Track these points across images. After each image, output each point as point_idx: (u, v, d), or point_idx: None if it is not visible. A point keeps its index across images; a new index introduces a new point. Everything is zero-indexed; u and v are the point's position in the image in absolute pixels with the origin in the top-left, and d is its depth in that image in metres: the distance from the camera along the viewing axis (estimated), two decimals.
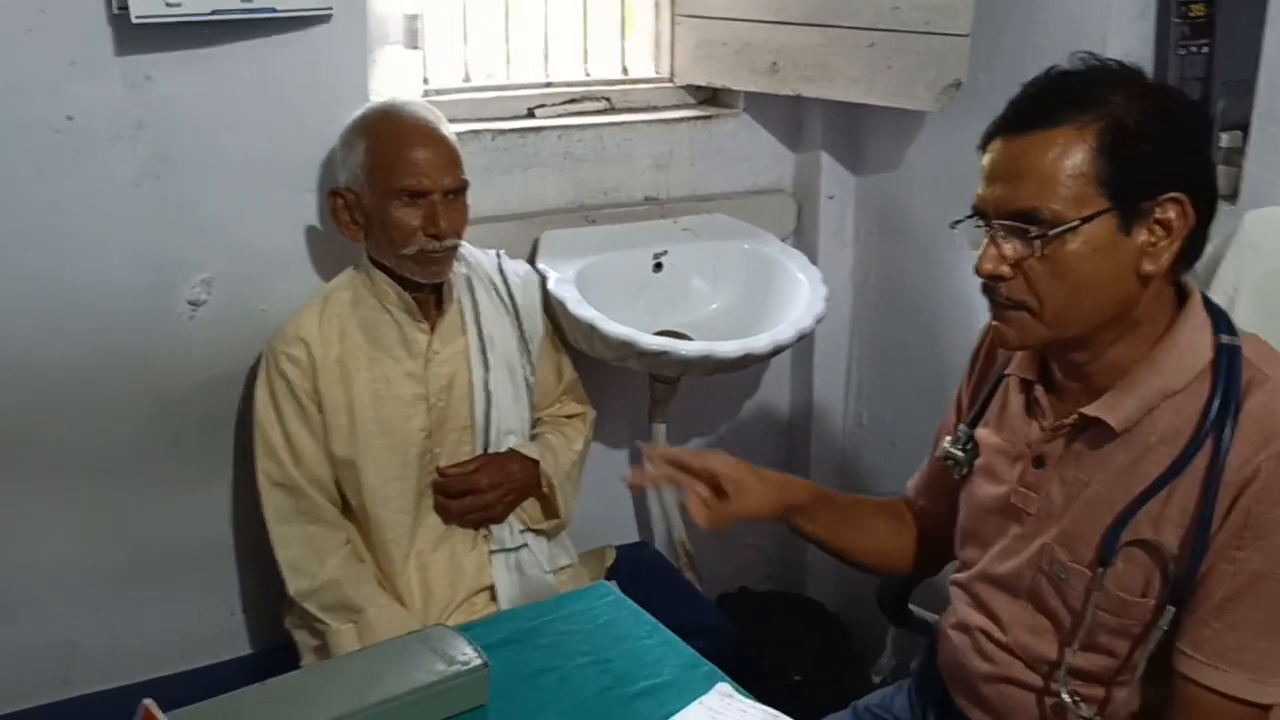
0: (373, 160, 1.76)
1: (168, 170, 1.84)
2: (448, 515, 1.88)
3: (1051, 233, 1.14)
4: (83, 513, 1.93)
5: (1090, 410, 1.22)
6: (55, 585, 1.94)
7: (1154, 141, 1.15)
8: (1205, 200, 1.17)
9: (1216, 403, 1.15)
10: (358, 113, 1.82)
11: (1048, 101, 1.17)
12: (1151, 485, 1.18)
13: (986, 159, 1.21)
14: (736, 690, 1.32)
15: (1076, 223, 1.14)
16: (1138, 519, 1.19)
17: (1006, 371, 1.35)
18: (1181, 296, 1.23)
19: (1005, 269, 1.17)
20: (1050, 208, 1.14)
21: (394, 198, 1.75)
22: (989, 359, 1.43)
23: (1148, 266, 1.16)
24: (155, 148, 1.82)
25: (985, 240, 1.19)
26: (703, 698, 1.30)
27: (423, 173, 1.75)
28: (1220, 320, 1.21)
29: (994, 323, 1.24)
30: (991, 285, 1.20)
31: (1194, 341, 1.19)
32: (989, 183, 1.20)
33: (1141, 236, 1.16)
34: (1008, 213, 1.17)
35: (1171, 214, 1.15)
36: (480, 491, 1.87)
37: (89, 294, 1.84)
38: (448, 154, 1.79)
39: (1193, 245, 1.18)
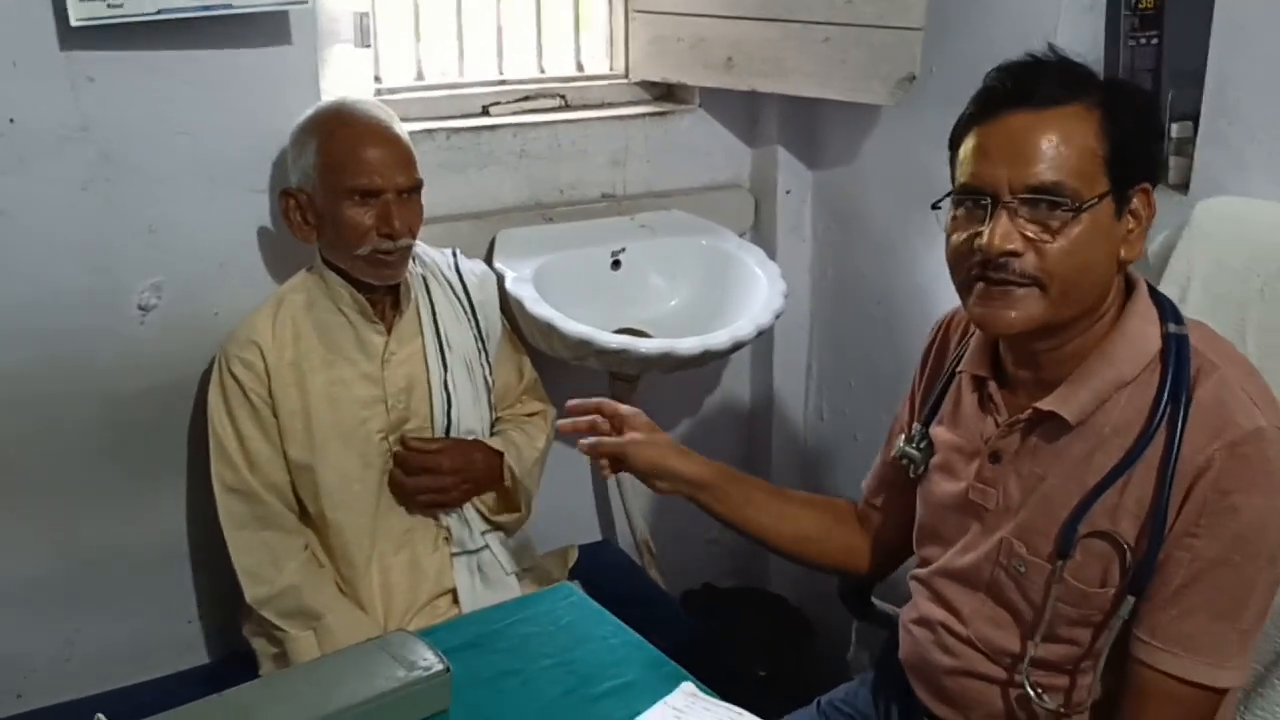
0: (324, 160, 1.74)
1: (115, 172, 1.81)
2: (401, 492, 1.84)
3: (1084, 206, 1.14)
4: (32, 522, 1.89)
5: (1044, 404, 1.23)
6: (5, 597, 1.89)
7: (1136, 130, 1.18)
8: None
9: (1166, 393, 1.17)
10: (309, 112, 1.80)
11: (1044, 81, 1.17)
12: (1106, 477, 1.19)
13: (978, 139, 1.19)
14: (701, 689, 1.31)
15: (1095, 200, 1.15)
16: (1094, 510, 1.19)
17: (959, 368, 1.36)
18: (1129, 287, 1.24)
19: (1019, 244, 1.16)
20: (1070, 184, 1.15)
21: (346, 197, 1.73)
22: (940, 356, 1.43)
23: (1125, 254, 1.19)
24: (102, 149, 1.79)
25: (971, 218, 1.19)
26: (667, 698, 1.29)
27: (375, 171, 1.73)
28: (1167, 309, 1.23)
29: (981, 308, 1.20)
30: (1000, 263, 1.17)
31: (1143, 331, 1.20)
32: (990, 159, 1.17)
33: (1125, 224, 1.18)
34: (1029, 187, 1.15)
35: (1141, 203, 1.19)
36: (440, 473, 1.83)
37: (35, 299, 1.80)
38: (401, 153, 1.77)
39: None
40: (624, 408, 1.49)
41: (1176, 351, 1.18)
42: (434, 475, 1.83)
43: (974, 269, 1.20)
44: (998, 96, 1.19)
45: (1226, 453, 1.13)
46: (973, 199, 1.19)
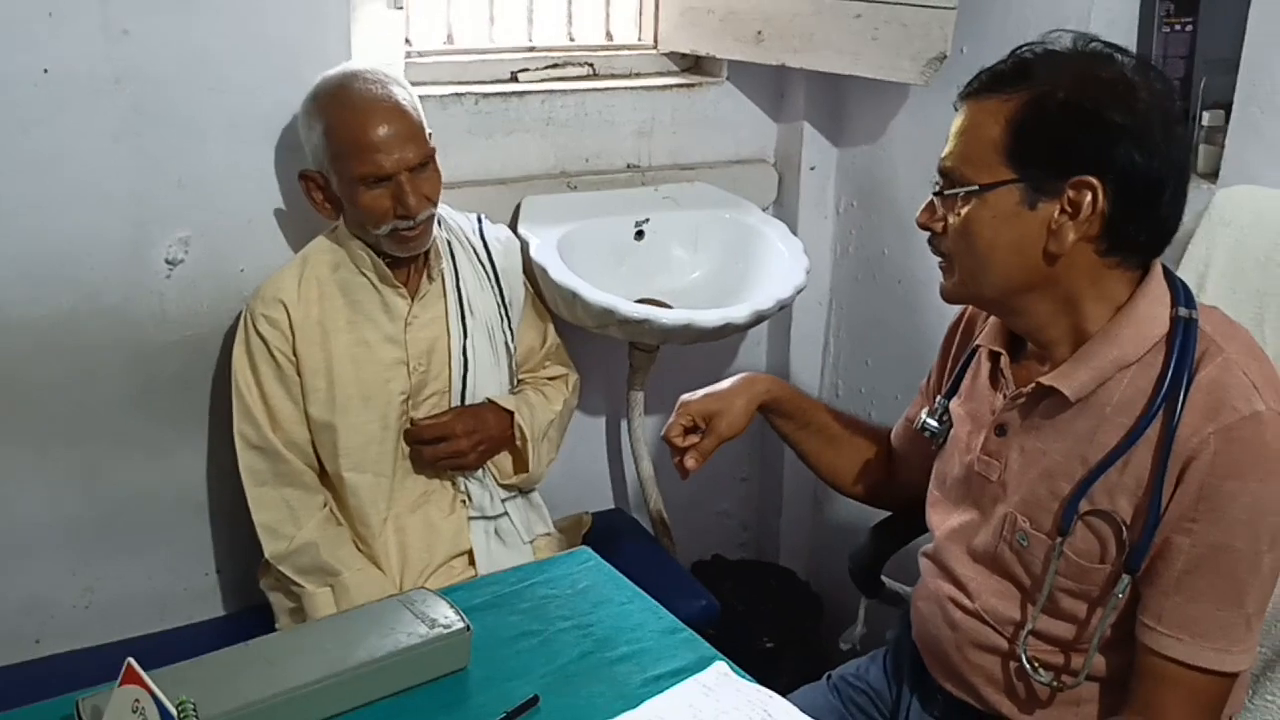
0: (332, 146, 1.72)
1: (147, 126, 1.81)
2: (421, 461, 1.87)
3: (947, 192, 1.23)
4: (56, 471, 1.91)
5: (1046, 379, 1.25)
6: (27, 544, 1.92)
7: (1071, 123, 1.16)
8: (1141, 189, 1.17)
9: (1169, 374, 1.17)
10: (312, 88, 1.76)
11: (996, 73, 1.22)
12: (1107, 456, 1.20)
13: None
14: (733, 670, 1.31)
15: (976, 187, 1.20)
16: (1094, 488, 1.21)
17: (978, 343, 1.37)
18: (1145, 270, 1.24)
19: (935, 223, 1.25)
20: (961, 170, 1.22)
21: (359, 183, 1.71)
22: (967, 332, 1.45)
23: (1051, 245, 1.18)
24: (134, 102, 1.79)
25: None
26: (698, 675, 1.29)
27: (383, 156, 1.69)
28: (1181, 293, 1.23)
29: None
30: (929, 239, 1.28)
31: (1151, 314, 1.21)
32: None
33: (1049, 214, 1.18)
34: (938, 171, 1.25)
35: (1083, 196, 1.16)
36: (455, 437, 1.85)
37: (64, 251, 1.82)
38: (406, 128, 1.72)
39: (1128, 231, 1.18)
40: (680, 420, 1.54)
41: (1183, 334, 1.19)
42: (449, 441, 1.85)
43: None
44: (966, 88, 1.25)
45: (1222, 437, 1.14)
46: None
